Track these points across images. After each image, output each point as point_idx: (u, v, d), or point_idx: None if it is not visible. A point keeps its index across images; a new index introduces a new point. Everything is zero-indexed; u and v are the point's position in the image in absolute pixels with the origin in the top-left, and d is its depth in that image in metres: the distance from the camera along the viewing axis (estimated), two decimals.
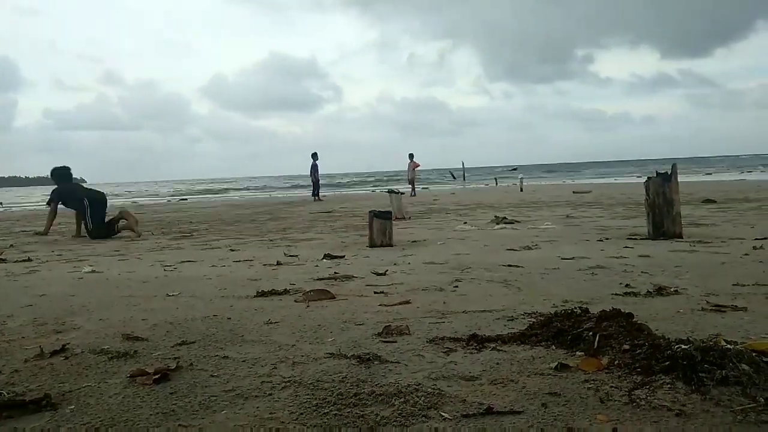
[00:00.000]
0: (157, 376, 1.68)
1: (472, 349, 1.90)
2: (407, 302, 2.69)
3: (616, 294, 2.72)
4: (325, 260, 4.43)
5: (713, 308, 2.35)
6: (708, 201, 9.80)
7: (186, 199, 26.82)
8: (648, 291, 2.73)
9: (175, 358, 1.89)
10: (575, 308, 2.12)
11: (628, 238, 5.11)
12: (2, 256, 5.41)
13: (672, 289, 2.73)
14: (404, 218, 8.75)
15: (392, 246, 5.28)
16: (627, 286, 2.90)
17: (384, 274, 3.59)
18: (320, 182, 18.88)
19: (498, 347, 1.90)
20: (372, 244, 5.35)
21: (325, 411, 1.42)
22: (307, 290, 3.00)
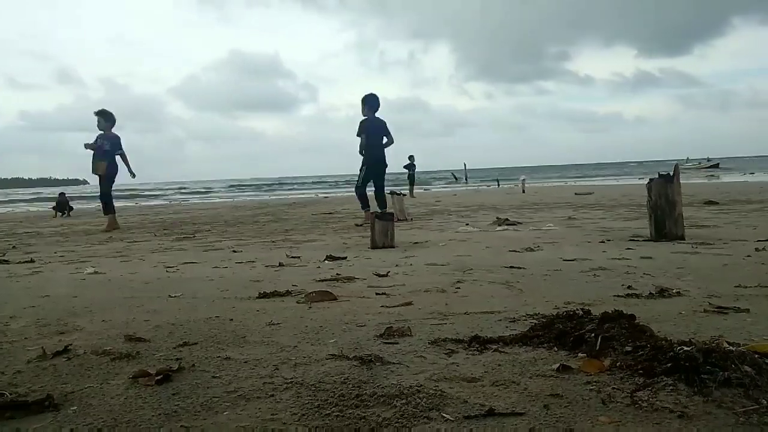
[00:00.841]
0: (159, 377, 1.68)
1: (474, 350, 1.90)
2: (409, 304, 2.69)
3: (618, 296, 2.71)
4: (327, 261, 4.43)
5: (715, 310, 2.34)
6: (710, 202, 9.79)
7: (186, 200, 26.98)
8: (650, 293, 2.72)
9: (178, 359, 1.89)
10: (577, 310, 2.12)
11: (630, 240, 5.11)
12: (5, 257, 5.42)
13: (674, 291, 2.73)
14: (406, 219, 8.75)
15: (394, 247, 5.28)
16: (629, 287, 2.89)
17: (386, 275, 3.60)
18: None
19: (500, 349, 1.90)
20: (374, 246, 5.35)
21: (327, 412, 1.42)
22: (309, 291, 3.00)
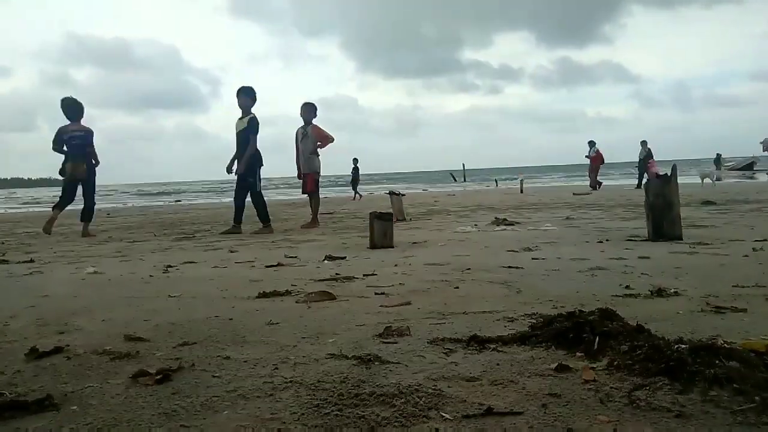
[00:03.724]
0: (159, 377, 1.69)
1: (473, 350, 1.91)
2: (408, 303, 2.70)
3: (616, 295, 2.72)
4: (326, 261, 4.43)
5: (713, 310, 2.35)
6: (708, 202, 9.80)
7: (180, 201, 27.07)
8: (648, 292, 2.73)
9: (177, 358, 1.90)
10: (575, 309, 2.13)
11: (627, 240, 5.12)
12: (4, 257, 5.42)
13: (672, 291, 2.74)
14: (405, 220, 8.76)
15: (393, 247, 5.29)
16: (627, 287, 2.90)
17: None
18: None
19: (498, 348, 1.91)
20: (373, 246, 5.35)
21: (326, 411, 1.43)
22: (309, 291, 3.01)
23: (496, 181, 34.44)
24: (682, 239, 4.91)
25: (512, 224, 7.27)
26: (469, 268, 3.73)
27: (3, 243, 7.33)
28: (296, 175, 8.65)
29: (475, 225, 7.43)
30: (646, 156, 19.61)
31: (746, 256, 3.88)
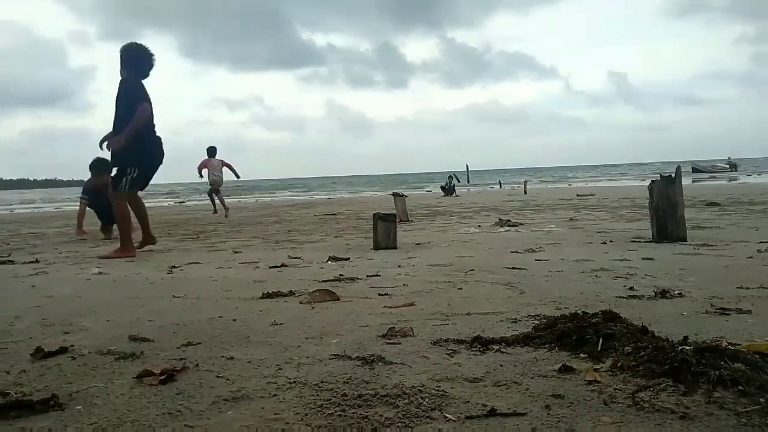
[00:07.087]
0: (163, 377, 1.69)
1: (476, 351, 1.91)
2: (411, 304, 2.70)
3: (620, 296, 2.72)
4: (329, 262, 4.44)
5: (717, 311, 2.35)
6: (712, 204, 9.78)
7: (183, 202, 27.28)
8: (652, 294, 2.73)
9: (181, 358, 1.91)
10: (579, 311, 2.13)
11: (631, 241, 5.11)
12: (10, 257, 5.45)
13: (676, 292, 2.73)
14: (408, 221, 8.76)
15: (396, 248, 5.29)
16: (631, 288, 2.90)
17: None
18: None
19: (502, 349, 1.91)
20: (377, 247, 5.36)
21: (330, 412, 1.43)
22: (312, 291, 3.01)
23: (500, 183, 34.47)
24: (686, 240, 4.89)
25: (516, 225, 7.26)
26: (472, 269, 3.73)
27: (8, 243, 7.36)
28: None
29: (479, 226, 7.42)
30: None
31: (751, 257, 3.87)
